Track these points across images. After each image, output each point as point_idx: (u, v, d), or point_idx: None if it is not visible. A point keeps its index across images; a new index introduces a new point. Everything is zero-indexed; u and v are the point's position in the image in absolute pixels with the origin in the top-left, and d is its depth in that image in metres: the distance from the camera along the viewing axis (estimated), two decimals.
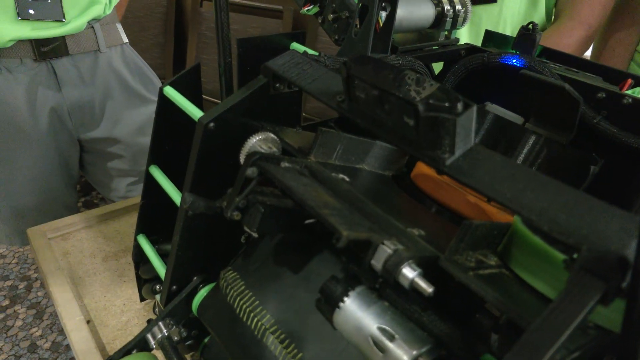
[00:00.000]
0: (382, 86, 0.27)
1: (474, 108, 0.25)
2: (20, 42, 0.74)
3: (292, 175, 0.30)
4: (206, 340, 0.45)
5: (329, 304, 0.29)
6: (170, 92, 0.41)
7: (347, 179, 0.34)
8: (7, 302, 1.64)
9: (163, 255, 0.46)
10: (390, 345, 0.26)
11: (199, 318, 0.41)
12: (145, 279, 0.49)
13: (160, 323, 0.41)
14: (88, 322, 0.50)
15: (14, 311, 1.61)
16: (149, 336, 0.41)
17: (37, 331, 1.53)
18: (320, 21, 0.49)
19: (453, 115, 0.24)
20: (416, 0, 0.48)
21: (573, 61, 0.50)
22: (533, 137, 0.42)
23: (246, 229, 0.32)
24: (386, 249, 0.25)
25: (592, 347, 0.26)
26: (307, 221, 0.34)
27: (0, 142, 0.79)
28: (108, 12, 0.83)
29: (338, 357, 0.32)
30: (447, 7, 0.49)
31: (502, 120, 0.43)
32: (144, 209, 0.47)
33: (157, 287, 0.47)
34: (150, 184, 0.45)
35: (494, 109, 0.47)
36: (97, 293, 0.54)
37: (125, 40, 0.89)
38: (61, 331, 1.53)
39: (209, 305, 0.40)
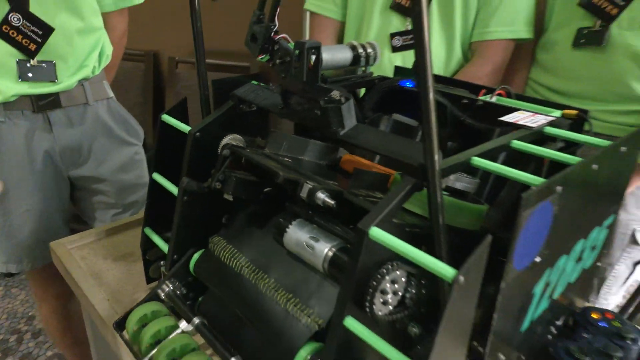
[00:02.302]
0: (303, 94, 0.46)
1: (352, 100, 0.44)
2: (22, 97, 0.93)
3: (256, 154, 0.48)
4: (200, 299, 0.60)
5: (279, 232, 0.46)
6: (167, 118, 0.59)
7: (289, 160, 0.52)
8: None
9: (165, 240, 0.62)
10: (316, 244, 0.43)
11: (195, 274, 0.57)
12: (151, 261, 0.64)
13: (167, 281, 0.57)
14: (108, 300, 0.64)
15: None
16: (159, 291, 0.56)
17: None
18: (271, 65, 0.68)
19: (339, 104, 0.43)
20: (338, 47, 0.68)
21: (451, 82, 0.70)
22: (420, 132, 0.61)
23: (225, 195, 0.50)
24: (308, 185, 0.43)
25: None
26: (266, 189, 0.52)
27: (2, 178, 0.95)
28: (97, 72, 1.03)
29: (290, 273, 0.48)
30: (360, 50, 0.69)
31: (399, 123, 0.62)
32: (148, 207, 0.63)
33: (162, 263, 0.62)
34: (153, 187, 0.62)
35: (398, 117, 0.66)
36: (112, 282, 0.68)
37: (111, 94, 1.08)
38: None
39: (201, 263, 0.56)
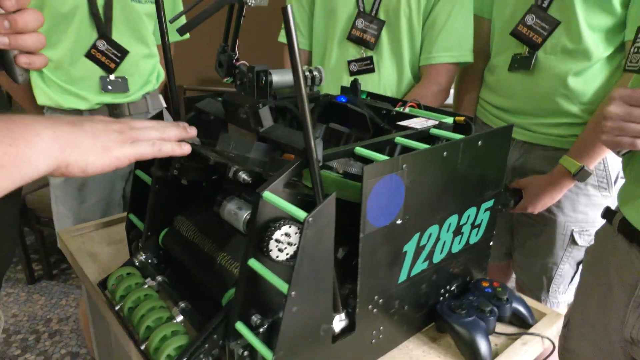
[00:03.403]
0: (237, 102, 0.62)
1: (267, 107, 0.59)
2: (102, 106, 1.23)
3: (201, 147, 0.64)
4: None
5: (218, 206, 0.61)
6: None
7: (232, 154, 0.68)
8: (18, 351, 1.87)
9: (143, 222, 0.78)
10: (239, 212, 0.58)
11: (163, 245, 0.72)
12: (133, 240, 0.80)
13: (141, 252, 0.72)
14: (98, 272, 0.80)
15: (25, 359, 1.84)
16: (134, 259, 0.72)
17: None
18: (234, 85, 0.85)
19: (257, 109, 0.59)
20: (287, 71, 0.84)
21: (382, 97, 0.85)
22: (345, 135, 0.76)
23: (182, 180, 0.65)
24: (233, 167, 0.58)
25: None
26: (213, 177, 0.67)
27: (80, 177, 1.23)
28: (156, 87, 1.33)
29: (225, 237, 0.63)
30: (307, 73, 0.85)
31: (331, 129, 0.78)
32: (132, 198, 0.80)
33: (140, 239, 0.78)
34: (136, 182, 0.78)
35: (334, 125, 0.81)
36: (104, 260, 0.84)
37: (164, 105, 1.34)
38: None
39: (167, 237, 0.72)
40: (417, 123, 0.68)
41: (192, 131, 0.61)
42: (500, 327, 0.66)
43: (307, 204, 0.53)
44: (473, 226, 0.67)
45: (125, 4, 1.22)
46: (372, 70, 1.15)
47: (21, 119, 0.42)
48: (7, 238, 0.62)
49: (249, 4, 0.70)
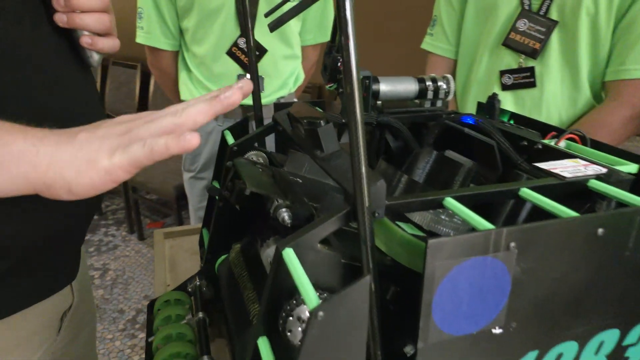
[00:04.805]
0: (297, 116, 0.48)
1: (331, 124, 0.43)
2: (237, 107, 1.20)
3: (248, 167, 0.51)
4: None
5: (261, 246, 0.48)
6: (226, 132, 0.67)
7: (300, 181, 0.53)
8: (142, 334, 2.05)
9: None
10: None
11: (216, 273, 0.62)
12: (203, 256, 0.72)
13: (196, 276, 0.63)
14: (168, 285, 0.74)
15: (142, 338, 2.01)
16: (188, 283, 0.63)
17: None
18: (337, 93, 0.71)
19: (316, 127, 0.43)
20: (401, 79, 0.66)
21: (531, 122, 0.61)
22: (462, 170, 0.54)
23: (232, 202, 0.54)
24: (275, 202, 0.44)
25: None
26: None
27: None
28: (292, 91, 1.30)
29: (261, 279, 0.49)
30: (428, 83, 0.66)
31: (444, 158, 0.57)
32: (207, 211, 0.71)
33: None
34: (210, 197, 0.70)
35: (450, 154, 0.60)
36: (181, 270, 0.79)
37: None
38: None
39: (222, 265, 0.61)
40: (568, 168, 0.44)
41: (233, 95, 0.41)
42: None
43: (349, 268, 0.36)
44: None
45: (272, 2, 1.18)
46: (532, 84, 0.88)
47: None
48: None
49: None
